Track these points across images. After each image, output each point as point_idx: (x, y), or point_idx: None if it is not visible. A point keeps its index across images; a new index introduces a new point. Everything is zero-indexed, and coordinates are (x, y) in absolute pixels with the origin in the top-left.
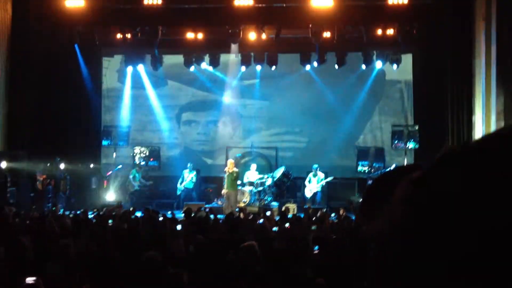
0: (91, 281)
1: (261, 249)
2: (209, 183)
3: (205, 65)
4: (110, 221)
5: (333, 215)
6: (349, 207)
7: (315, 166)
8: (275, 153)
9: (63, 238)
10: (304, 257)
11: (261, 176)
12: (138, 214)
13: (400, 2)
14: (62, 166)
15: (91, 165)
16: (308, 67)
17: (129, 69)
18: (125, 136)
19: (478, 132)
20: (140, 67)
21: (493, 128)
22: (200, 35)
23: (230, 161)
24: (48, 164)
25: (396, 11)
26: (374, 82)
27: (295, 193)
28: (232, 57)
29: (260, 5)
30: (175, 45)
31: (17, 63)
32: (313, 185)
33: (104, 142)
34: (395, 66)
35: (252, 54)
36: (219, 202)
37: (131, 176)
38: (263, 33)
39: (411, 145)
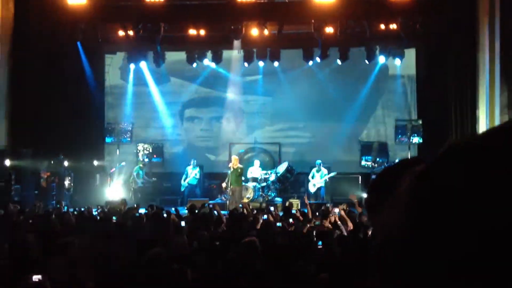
0: (95, 278)
1: (265, 245)
2: (212, 179)
3: (207, 62)
4: (114, 218)
5: (336, 210)
6: (352, 202)
7: (319, 161)
8: (278, 148)
9: (67, 235)
10: (308, 253)
11: (264, 172)
12: (142, 210)
13: None
14: (66, 163)
15: (95, 162)
16: (310, 62)
17: (132, 66)
18: (129, 133)
19: (482, 127)
20: (143, 64)
21: (497, 122)
22: (202, 32)
23: (235, 157)
24: (52, 162)
25: (399, 5)
26: (377, 77)
27: (299, 189)
28: (234, 53)
29: (262, 0)
30: (177, 42)
31: (19, 60)
32: (317, 180)
33: (108, 139)
34: (398, 60)
35: (254, 50)
36: (223, 198)
37: (135, 173)
38: (266, 29)
39: (415, 139)
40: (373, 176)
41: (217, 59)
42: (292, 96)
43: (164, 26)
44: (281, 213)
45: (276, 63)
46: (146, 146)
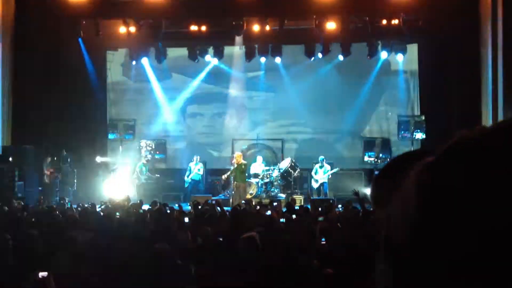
0: (99, 274)
1: (268, 240)
2: (215, 175)
3: (209, 58)
4: (117, 214)
5: (339, 206)
6: (355, 198)
7: (322, 157)
8: (281, 144)
9: (71, 231)
10: (311, 248)
11: (267, 168)
12: (146, 207)
13: None
14: (69, 160)
15: (98, 159)
16: (312, 58)
17: (134, 62)
18: (131, 130)
19: (485, 122)
20: (144, 60)
21: (500, 117)
22: (203, 28)
23: (239, 154)
24: (55, 158)
25: (401, 0)
26: (379, 73)
27: (302, 185)
28: (236, 49)
29: None
30: (179, 38)
31: (21, 57)
32: (320, 176)
33: (111, 136)
34: (400, 56)
35: (256, 46)
36: (226, 194)
37: (138, 169)
38: (267, 25)
39: (418, 135)
40: (376, 172)
41: (219, 55)
42: (295, 92)
43: (166, 22)
44: (284, 209)
45: (278, 59)
46: (149, 142)
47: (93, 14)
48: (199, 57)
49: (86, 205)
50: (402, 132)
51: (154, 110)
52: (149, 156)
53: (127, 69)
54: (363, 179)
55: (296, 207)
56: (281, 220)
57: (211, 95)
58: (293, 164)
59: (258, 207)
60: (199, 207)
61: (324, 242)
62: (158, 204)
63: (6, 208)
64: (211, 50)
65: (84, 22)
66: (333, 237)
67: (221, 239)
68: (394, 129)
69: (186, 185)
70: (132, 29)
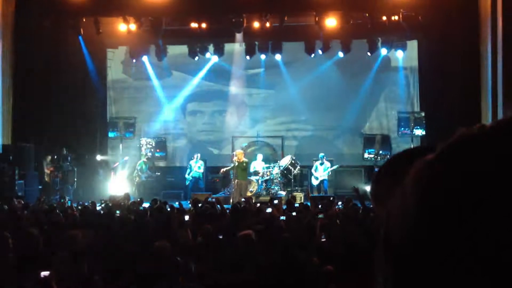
0: (100, 272)
1: (269, 238)
2: (215, 173)
3: (209, 55)
4: (117, 212)
5: (339, 203)
6: (355, 195)
7: (322, 155)
8: (281, 142)
9: (72, 230)
10: (311, 245)
11: (267, 165)
12: (146, 205)
13: None
14: (69, 158)
15: (98, 157)
16: (312, 55)
17: (134, 60)
18: (132, 128)
19: (485, 118)
20: (145, 58)
21: (500, 114)
22: (203, 25)
23: (240, 152)
24: (55, 157)
25: None
26: (379, 69)
27: (302, 182)
28: (236, 46)
29: None
30: (179, 35)
31: (21, 55)
32: (320, 173)
33: (111, 134)
34: (400, 52)
35: (256, 43)
36: (227, 192)
37: (138, 167)
38: (267, 22)
39: (418, 131)
40: (376, 169)
41: (219, 52)
42: (295, 89)
43: (166, 20)
44: (284, 206)
45: (278, 56)
46: (149, 140)
47: (93, 11)
48: (199, 55)
49: (86, 204)
50: (402, 128)
51: (154, 108)
52: (149, 154)
53: (127, 67)
54: (363, 176)
55: (296, 204)
56: (281, 217)
57: (211, 93)
58: (293, 161)
59: (258, 204)
60: (199, 205)
61: (324, 239)
62: (159, 202)
63: (6, 206)
64: (211, 47)
65: (84, 20)
66: (333, 234)
67: (221, 237)
68: (394, 126)
69: (187, 183)
70: (132, 27)
